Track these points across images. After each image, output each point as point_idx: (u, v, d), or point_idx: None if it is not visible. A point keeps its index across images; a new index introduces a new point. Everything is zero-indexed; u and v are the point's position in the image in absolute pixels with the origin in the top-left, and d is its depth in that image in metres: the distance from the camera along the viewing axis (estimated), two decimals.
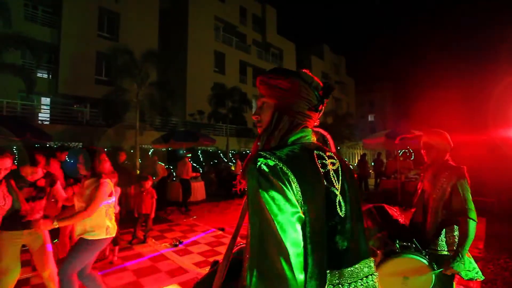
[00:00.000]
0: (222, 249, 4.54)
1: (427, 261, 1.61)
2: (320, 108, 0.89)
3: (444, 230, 1.79)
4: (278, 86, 0.86)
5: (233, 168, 13.17)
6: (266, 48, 25.97)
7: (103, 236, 2.34)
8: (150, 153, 11.39)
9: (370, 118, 41.48)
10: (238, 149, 17.16)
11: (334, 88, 0.90)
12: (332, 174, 0.81)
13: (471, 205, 1.70)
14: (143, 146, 11.79)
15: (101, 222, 2.35)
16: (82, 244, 2.29)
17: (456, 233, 1.78)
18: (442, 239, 1.79)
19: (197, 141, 9.04)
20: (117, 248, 4.05)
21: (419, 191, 2.02)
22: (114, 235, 2.47)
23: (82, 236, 2.30)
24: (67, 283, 2.19)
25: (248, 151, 17.40)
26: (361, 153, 15.20)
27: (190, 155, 8.96)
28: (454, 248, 1.72)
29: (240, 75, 22.75)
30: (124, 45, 11.89)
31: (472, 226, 1.65)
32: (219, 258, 0.87)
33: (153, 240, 5.03)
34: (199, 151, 13.51)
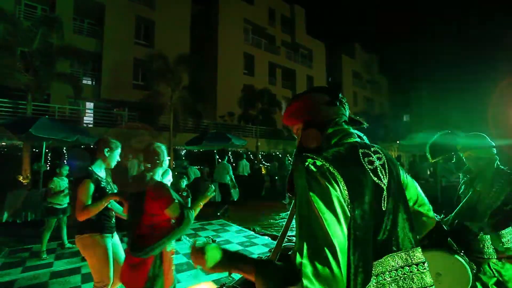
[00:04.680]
0: (254, 249, 4.61)
1: (465, 260, 1.47)
2: (339, 103, 0.93)
3: (489, 237, 1.74)
4: (297, 109, 0.97)
5: (263, 171, 13.24)
6: (295, 48, 25.76)
7: None
8: (183, 153, 11.86)
9: (406, 118, 39.36)
10: (267, 150, 17.20)
11: (338, 84, 0.94)
12: (380, 169, 0.84)
13: None
14: (177, 147, 12.30)
15: None
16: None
17: (505, 239, 1.71)
18: (489, 246, 1.73)
19: (228, 143, 9.25)
20: None
21: (463, 197, 1.92)
22: None
23: None
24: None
25: (277, 153, 17.40)
26: (396, 155, 14.51)
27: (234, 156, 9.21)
28: (505, 255, 1.66)
29: (270, 76, 22.80)
30: (158, 51, 12.55)
31: None
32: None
33: (188, 238, 5.25)
34: (229, 153, 13.78)
